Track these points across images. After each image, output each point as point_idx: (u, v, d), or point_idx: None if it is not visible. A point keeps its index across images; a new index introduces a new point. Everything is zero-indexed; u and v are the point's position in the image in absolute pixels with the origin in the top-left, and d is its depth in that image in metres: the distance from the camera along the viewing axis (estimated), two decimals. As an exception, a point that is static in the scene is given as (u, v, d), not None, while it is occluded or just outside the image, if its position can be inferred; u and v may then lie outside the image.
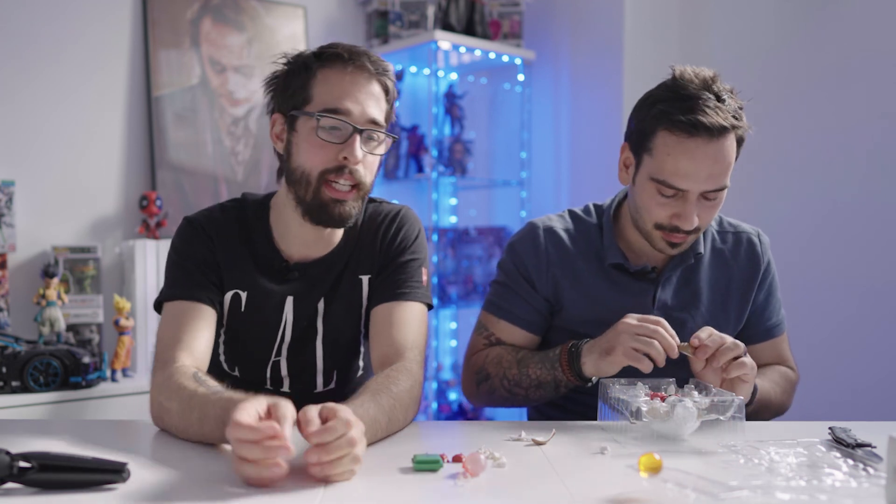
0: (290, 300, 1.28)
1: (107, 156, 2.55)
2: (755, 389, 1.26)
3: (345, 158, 1.18)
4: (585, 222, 1.45)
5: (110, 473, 0.83)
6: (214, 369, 1.31)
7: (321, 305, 1.30)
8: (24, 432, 1.14)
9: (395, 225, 1.32)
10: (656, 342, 1.14)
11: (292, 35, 2.91)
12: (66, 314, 2.28)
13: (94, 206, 2.52)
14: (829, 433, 1.07)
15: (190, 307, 1.22)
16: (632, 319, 1.18)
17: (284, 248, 1.29)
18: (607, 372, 1.19)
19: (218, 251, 1.27)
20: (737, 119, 1.25)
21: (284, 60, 1.26)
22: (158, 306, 1.27)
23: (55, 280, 2.22)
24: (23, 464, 0.80)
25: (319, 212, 1.21)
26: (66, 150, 2.48)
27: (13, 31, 2.38)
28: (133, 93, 2.59)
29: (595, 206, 1.48)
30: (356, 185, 1.21)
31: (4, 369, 1.98)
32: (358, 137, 1.18)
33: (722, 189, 1.27)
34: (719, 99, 1.25)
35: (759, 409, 1.32)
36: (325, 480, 0.86)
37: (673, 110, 1.24)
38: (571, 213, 1.47)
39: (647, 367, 1.14)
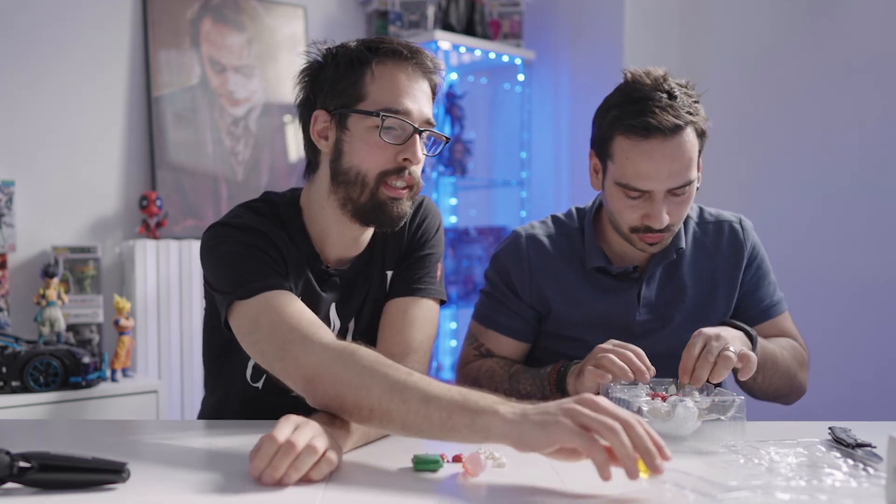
0: (333, 307, 1.24)
1: (107, 156, 2.55)
2: (755, 339, 1.25)
3: (406, 160, 1.13)
4: (567, 227, 1.45)
5: (110, 473, 0.82)
6: (236, 382, 1.25)
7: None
8: (24, 432, 1.14)
9: (418, 216, 1.29)
10: (611, 354, 1.14)
11: (292, 35, 2.91)
12: (66, 314, 2.28)
13: (94, 206, 2.52)
14: (829, 433, 1.07)
15: (281, 295, 1.06)
16: (607, 344, 1.18)
17: (321, 250, 1.22)
18: (583, 392, 1.19)
19: (279, 247, 1.15)
20: (692, 114, 1.26)
21: (319, 53, 1.18)
22: (227, 311, 1.10)
23: (55, 280, 2.22)
24: (23, 464, 0.80)
25: (376, 212, 1.14)
26: (66, 150, 2.48)
27: (13, 31, 2.39)
28: (133, 93, 2.59)
29: (577, 209, 1.49)
30: (411, 186, 1.16)
31: (4, 369, 1.98)
32: (418, 138, 1.14)
33: (688, 184, 1.27)
34: (671, 96, 1.25)
35: (768, 369, 1.30)
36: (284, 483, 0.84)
37: (626, 114, 1.25)
38: (554, 219, 1.48)
39: (607, 380, 1.14)
